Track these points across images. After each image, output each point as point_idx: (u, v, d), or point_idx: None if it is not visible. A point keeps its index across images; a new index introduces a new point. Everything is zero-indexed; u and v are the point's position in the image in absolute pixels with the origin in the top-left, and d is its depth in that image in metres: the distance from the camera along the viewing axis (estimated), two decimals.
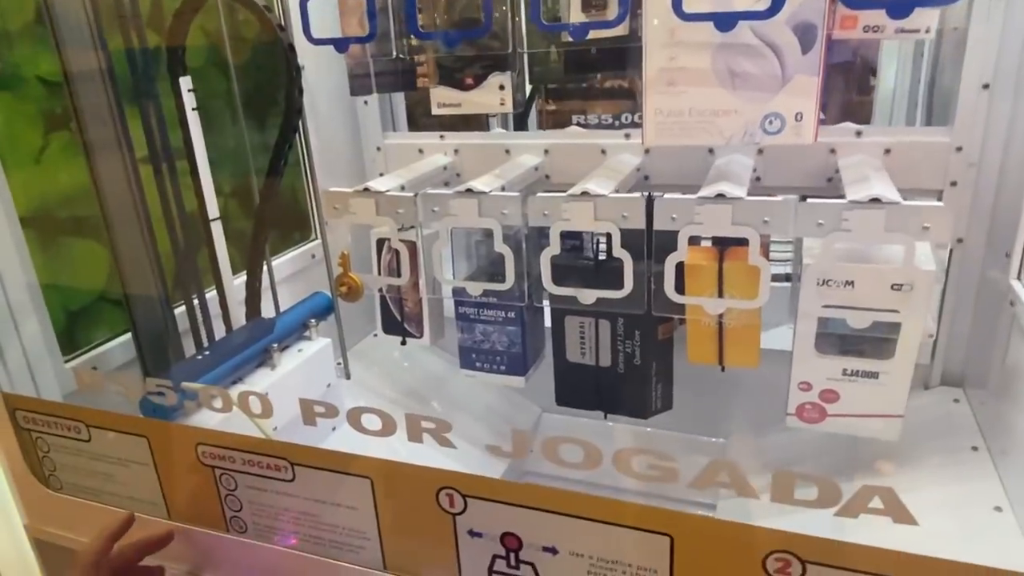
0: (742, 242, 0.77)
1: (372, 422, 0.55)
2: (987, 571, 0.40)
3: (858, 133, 0.88)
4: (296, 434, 0.67)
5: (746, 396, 0.99)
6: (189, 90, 0.79)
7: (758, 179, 0.93)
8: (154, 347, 0.82)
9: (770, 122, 0.72)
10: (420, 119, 1.23)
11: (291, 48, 0.77)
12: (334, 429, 0.87)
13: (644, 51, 0.73)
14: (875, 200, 0.69)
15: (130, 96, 0.87)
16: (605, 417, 0.99)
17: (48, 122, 1.11)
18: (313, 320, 0.96)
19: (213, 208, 0.86)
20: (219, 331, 0.94)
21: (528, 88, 0.98)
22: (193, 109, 0.79)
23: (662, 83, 0.74)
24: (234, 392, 0.65)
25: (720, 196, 0.74)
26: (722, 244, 0.83)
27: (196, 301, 0.88)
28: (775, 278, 0.84)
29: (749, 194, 0.75)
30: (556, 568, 0.54)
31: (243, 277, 0.95)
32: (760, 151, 0.93)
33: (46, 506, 0.73)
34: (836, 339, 0.80)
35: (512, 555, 0.54)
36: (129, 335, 0.88)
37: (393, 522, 0.59)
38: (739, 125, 0.73)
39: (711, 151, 0.95)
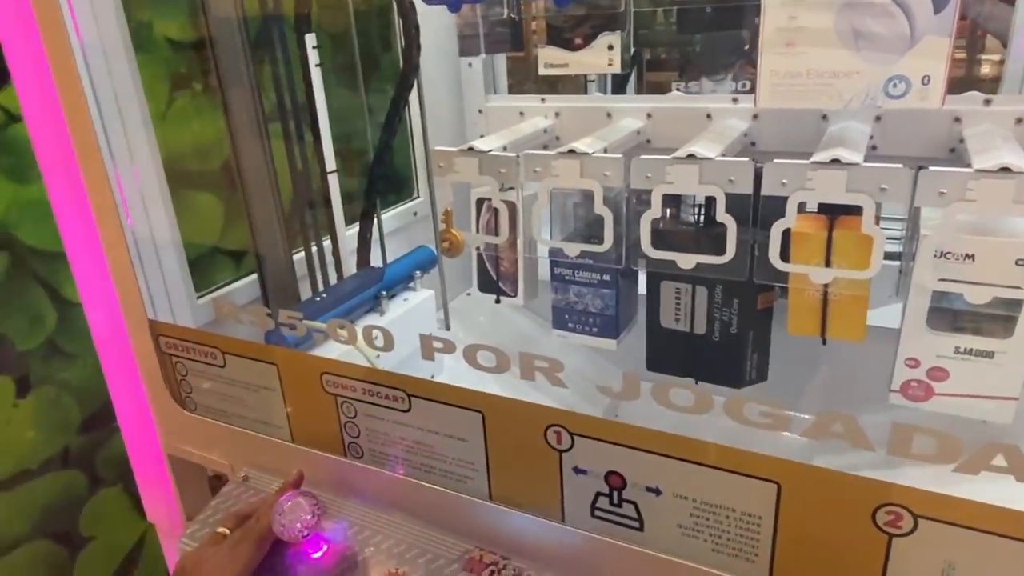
0: (852, 211, 0.75)
1: (487, 358, 0.58)
2: None
3: (987, 102, 0.83)
4: None
5: (845, 372, 0.97)
6: (313, 47, 0.83)
7: (874, 147, 0.89)
8: (277, 289, 0.87)
9: (894, 85, 0.69)
10: (519, 83, 1.24)
11: (412, 6, 0.79)
12: (432, 376, 0.91)
13: (762, 9, 0.71)
14: (1005, 169, 0.65)
15: (259, 54, 0.92)
16: (696, 384, 0.99)
17: (174, 81, 1.18)
18: (418, 272, 1.00)
19: (331, 162, 0.91)
20: (332, 279, 0.99)
21: (632, 50, 0.97)
22: (316, 65, 0.83)
23: (779, 43, 0.72)
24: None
25: (835, 161, 0.72)
26: (831, 212, 0.80)
27: (314, 248, 0.93)
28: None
29: (865, 161, 0.73)
30: (658, 508, 0.55)
31: (354, 229, 1.00)
32: (878, 118, 0.89)
33: (181, 425, 0.81)
34: (950, 315, 0.77)
35: (615, 493, 0.56)
36: (244, 280, 0.94)
37: (501, 455, 0.62)
38: (860, 88, 0.70)
39: (824, 117, 0.92)
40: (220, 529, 0.70)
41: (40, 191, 1.17)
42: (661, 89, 1.13)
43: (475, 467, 0.63)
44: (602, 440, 0.55)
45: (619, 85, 1.20)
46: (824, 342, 0.86)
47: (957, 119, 0.85)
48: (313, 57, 0.83)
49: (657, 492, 0.54)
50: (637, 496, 0.55)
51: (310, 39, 0.83)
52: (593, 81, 1.32)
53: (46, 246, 1.20)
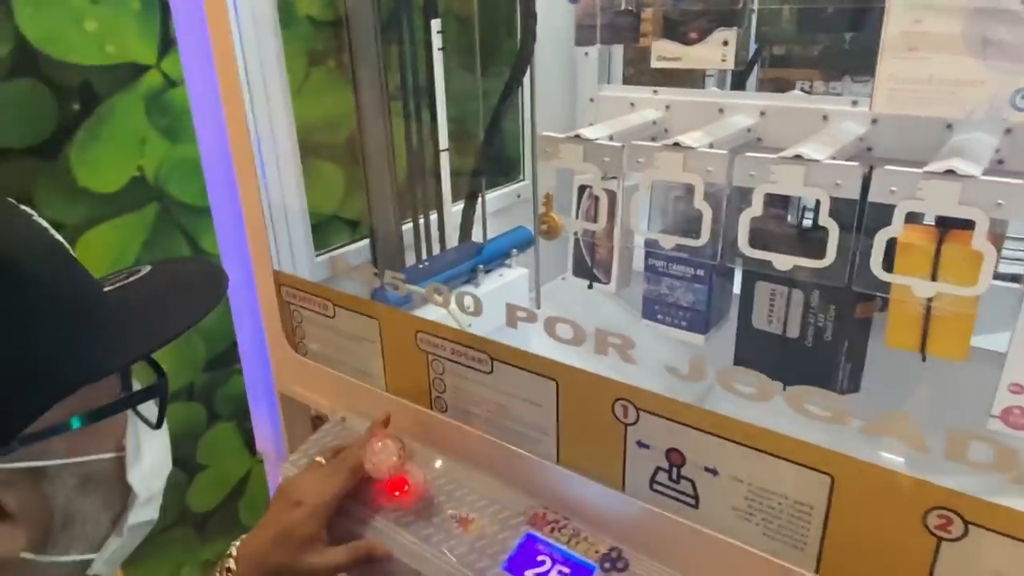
0: (967, 226, 0.72)
1: (565, 331, 0.62)
2: None
3: None
4: None
5: (943, 392, 0.93)
6: (438, 31, 0.89)
7: (1000, 162, 0.85)
8: (385, 254, 0.95)
9: (1022, 97, 0.66)
10: (639, 74, 1.25)
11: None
12: None
13: (886, 11, 0.70)
14: None
15: (388, 35, 0.99)
16: (784, 389, 0.98)
17: (311, 57, 1.28)
18: (515, 250, 1.05)
19: (444, 141, 0.97)
20: (435, 250, 1.06)
21: (753, 47, 0.97)
22: (439, 49, 0.89)
23: (902, 48, 0.70)
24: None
25: (950, 172, 0.70)
26: (944, 226, 0.78)
27: (421, 220, 1.00)
28: (1001, 276, 0.77)
29: (986, 175, 0.70)
30: (714, 488, 0.57)
31: (460, 205, 1.06)
32: (1008, 131, 0.84)
33: (294, 368, 0.90)
34: None
35: (675, 470, 0.59)
36: (357, 244, 1.02)
37: (571, 422, 0.66)
38: (984, 98, 0.68)
39: (949, 126, 0.88)
40: (318, 458, 0.78)
41: (188, 150, 1.30)
42: (784, 88, 1.11)
43: (546, 431, 0.67)
44: (665, 418, 0.58)
45: (738, 82, 1.19)
46: (924, 359, 0.84)
47: None
48: (437, 41, 0.89)
49: (714, 472, 0.56)
50: (695, 474, 0.57)
51: (435, 24, 0.88)
52: (711, 76, 1.31)
53: (190, 201, 1.33)
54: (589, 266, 1.08)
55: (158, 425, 0.52)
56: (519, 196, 1.24)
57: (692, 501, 0.64)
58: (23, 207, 0.47)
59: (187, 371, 1.42)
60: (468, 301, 0.72)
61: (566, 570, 0.64)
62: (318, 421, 0.93)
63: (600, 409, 0.62)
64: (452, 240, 1.04)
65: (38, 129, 1.12)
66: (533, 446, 0.70)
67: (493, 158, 1.10)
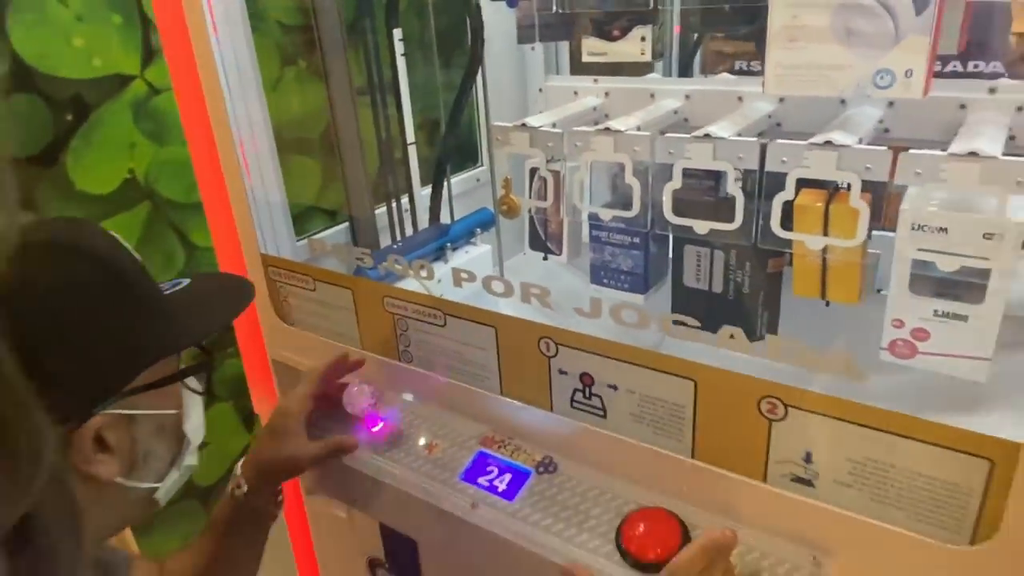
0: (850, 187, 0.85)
1: (499, 287, 0.75)
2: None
3: (991, 90, 0.90)
4: None
5: (846, 333, 1.07)
6: (399, 40, 1.01)
7: (886, 131, 0.98)
8: (362, 236, 1.07)
9: (881, 77, 0.79)
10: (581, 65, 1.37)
11: (478, 7, 0.95)
12: None
13: (770, 9, 0.82)
14: (972, 153, 0.75)
15: (353, 39, 1.10)
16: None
17: (283, 57, 1.39)
18: (479, 230, 1.18)
19: (410, 134, 1.09)
20: (408, 231, 1.18)
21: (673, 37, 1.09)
22: (401, 55, 1.01)
23: (784, 39, 0.83)
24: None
25: (828, 143, 0.83)
26: (834, 188, 0.91)
27: (393, 205, 1.13)
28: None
29: (874, 143, 0.83)
30: (616, 400, 0.74)
31: (427, 190, 1.18)
32: (891, 104, 0.97)
33: (283, 336, 1.04)
34: (932, 282, 0.86)
35: (587, 389, 0.74)
36: (335, 228, 1.15)
37: (509, 361, 0.84)
38: (851, 79, 0.80)
39: (843, 102, 1.01)
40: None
41: (173, 152, 1.41)
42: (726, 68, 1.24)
43: (490, 370, 0.81)
44: (578, 348, 0.73)
45: (685, 68, 1.32)
46: (827, 304, 0.98)
47: (962, 106, 0.92)
48: (399, 48, 1.01)
49: (615, 388, 0.71)
50: (602, 391, 0.72)
51: (397, 33, 1.00)
52: (658, 63, 1.43)
53: (178, 198, 1.45)
54: (543, 240, 1.21)
55: (203, 393, 0.68)
56: (478, 180, 1.37)
57: (601, 412, 0.83)
58: (110, 231, 0.62)
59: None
60: (424, 268, 0.86)
61: (507, 475, 0.81)
62: None
63: (530, 347, 0.77)
64: (423, 222, 1.16)
65: (36, 139, 1.23)
66: (481, 382, 0.86)
67: (454, 147, 1.22)
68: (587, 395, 0.82)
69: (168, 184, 1.43)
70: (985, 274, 0.80)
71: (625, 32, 0.96)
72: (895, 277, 0.86)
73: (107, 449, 0.58)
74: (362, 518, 1.02)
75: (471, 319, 0.86)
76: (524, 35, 1.07)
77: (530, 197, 1.16)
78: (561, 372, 0.82)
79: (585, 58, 1.01)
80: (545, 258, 1.21)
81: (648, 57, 0.95)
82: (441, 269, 1.12)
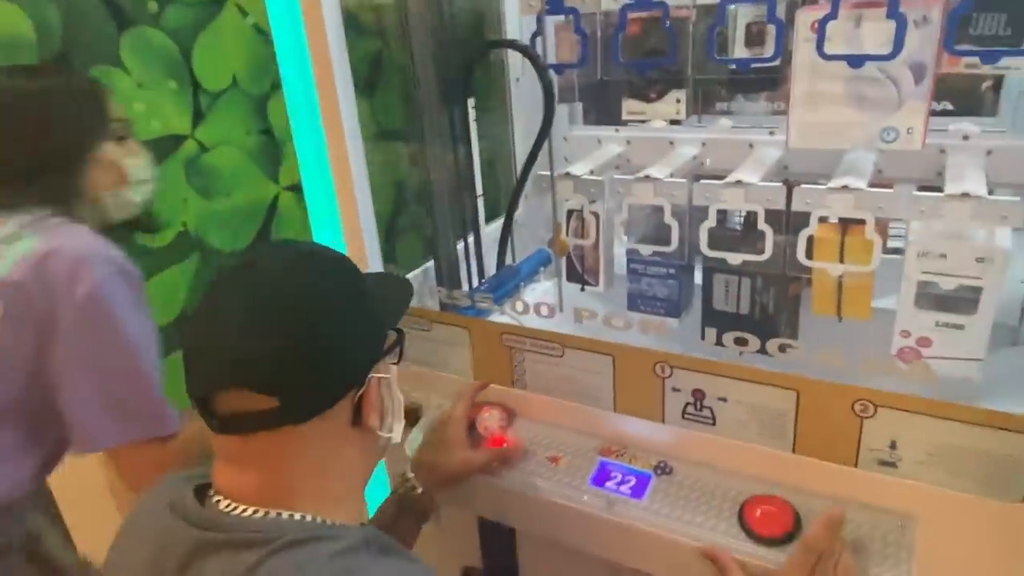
0: (861, 221, 1.02)
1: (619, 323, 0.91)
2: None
3: (965, 137, 1.10)
4: None
5: (862, 345, 1.25)
6: (472, 107, 1.14)
7: (880, 171, 1.16)
8: (448, 276, 1.22)
9: (887, 134, 0.96)
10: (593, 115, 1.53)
11: (550, 81, 1.10)
12: None
13: (792, 79, 0.99)
14: (965, 194, 0.93)
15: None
16: (740, 354, 1.27)
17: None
18: (542, 268, 1.33)
19: (479, 187, 1.24)
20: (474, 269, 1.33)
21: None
22: (474, 120, 1.14)
23: (805, 102, 1.00)
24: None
25: (845, 187, 1.00)
26: (845, 222, 1.08)
27: (464, 247, 1.28)
28: (892, 251, 1.08)
29: (871, 184, 1.00)
30: (725, 410, 0.93)
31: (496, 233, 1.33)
32: (882, 150, 1.16)
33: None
34: (934, 298, 1.04)
35: (698, 402, 0.88)
36: (423, 266, 1.30)
37: (624, 382, 1.01)
38: (863, 136, 0.98)
39: None
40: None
41: (218, 205, 1.50)
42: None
43: (604, 391, 0.99)
44: (689, 369, 0.90)
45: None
46: (840, 319, 1.14)
47: (942, 151, 1.11)
48: (471, 114, 1.14)
49: (724, 400, 0.85)
50: (712, 403, 0.87)
51: (470, 101, 1.14)
52: None
53: (224, 247, 1.53)
54: (580, 273, 1.34)
55: (398, 362, 0.82)
56: (516, 221, 1.51)
57: (711, 421, 0.99)
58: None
59: None
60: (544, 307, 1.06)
61: (632, 479, 0.95)
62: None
63: (645, 370, 0.96)
64: (487, 260, 1.33)
65: None
66: (595, 402, 1.02)
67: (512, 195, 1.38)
68: (698, 407, 0.99)
69: (215, 234, 1.51)
70: (978, 291, 0.97)
71: (661, 95, 1.11)
72: (903, 295, 1.04)
73: (371, 406, 0.74)
74: (456, 529, 1.15)
75: (590, 350, 1.03)
76: (565, 96, 1.21)
77: (567, 236, 1.30)
78: (674, 389, 0.99)
79: (625, 116, 1.17)
80: (583, 288, 1.35)
81: (683, 116, 1.11)
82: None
